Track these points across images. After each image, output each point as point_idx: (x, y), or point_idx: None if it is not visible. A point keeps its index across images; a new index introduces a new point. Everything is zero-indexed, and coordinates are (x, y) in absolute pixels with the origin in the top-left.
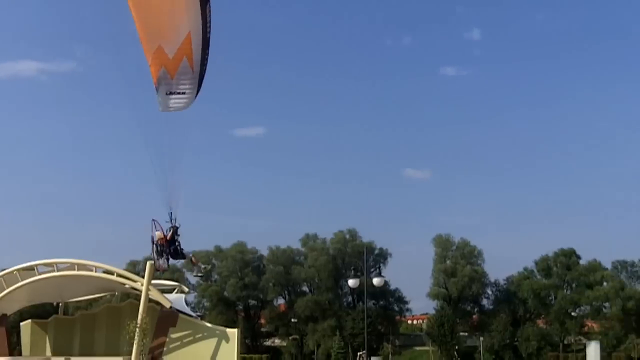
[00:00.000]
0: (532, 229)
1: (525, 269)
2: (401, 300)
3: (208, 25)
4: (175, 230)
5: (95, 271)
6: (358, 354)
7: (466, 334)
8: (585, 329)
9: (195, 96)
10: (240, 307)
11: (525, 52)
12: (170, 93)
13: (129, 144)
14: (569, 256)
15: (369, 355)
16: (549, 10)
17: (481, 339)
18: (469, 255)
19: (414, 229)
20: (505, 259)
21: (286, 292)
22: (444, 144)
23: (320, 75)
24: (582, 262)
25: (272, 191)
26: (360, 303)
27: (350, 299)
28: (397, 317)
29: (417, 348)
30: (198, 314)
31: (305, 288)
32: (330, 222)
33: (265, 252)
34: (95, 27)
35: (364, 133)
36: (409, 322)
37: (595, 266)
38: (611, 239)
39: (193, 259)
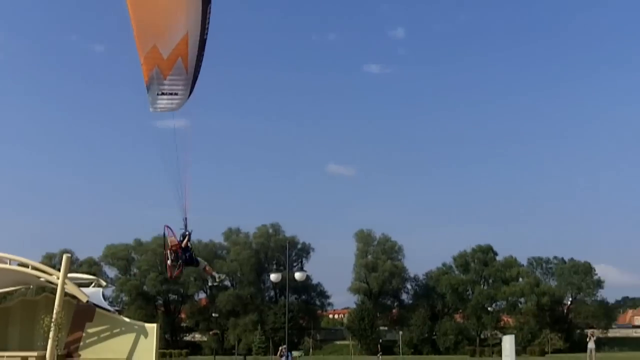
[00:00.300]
0: (452, 226)
1: (444, 264)
2: (323, 294)
3: (207, 26)
4: (189, 237)
5: (10, 264)
6: (279, 348)
7: (386, 328)
8: (501, 323)
9: (188, 97)
10: (160, 301)
11: (449, 51)
12: (162, 94)
13: (46, 135)
14: (486, 252)
15: (290, 349)
16: (471, 10)
17: (400, 333)
18: (389, 250)
19: (337, 224)
20: (425, 255)
21: (207, 287)
22: (368, 141)
23: (244, 66)
24: (498, 258)
25: (194, 184)
26: (282, 297)
27: (272, 293)
28: (319, 312)
29: (338, 342)
30: (116, 308)
31: (227, 282)
32: (254, 216)
33: None
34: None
35: (288, 127)
36: (330, 316)
37: (511, 262)
38: (527, 237)
39: (207, 267)
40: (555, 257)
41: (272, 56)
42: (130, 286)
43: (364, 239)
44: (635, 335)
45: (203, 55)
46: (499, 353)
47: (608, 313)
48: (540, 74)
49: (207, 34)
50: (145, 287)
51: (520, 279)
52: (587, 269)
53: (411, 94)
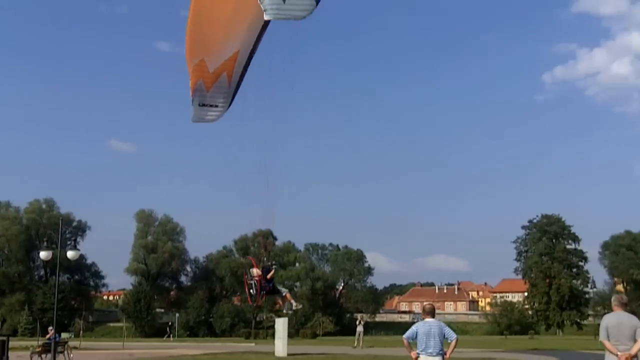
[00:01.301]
0: (235, 209)
1: (225, 247)
2: (97, 275)
3: (257, 46)
4: (275, 271)
5: None
6: (48, 329)
7: (163, 310)
8: (277, 306)
9: (227, 109)
10: None
11: None
12: (203, 105)
13: None
14: (266, 237)
15: (59, 331)
16: None
17: (177, 315)
18: (171, 231)
19: (117, 203)
20: (207, 238)
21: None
22: (149, 118)
23: (38, 35)
24: (278, 243)
25: None
26: (53, 277)
27: (42, 272)
28: (92, 293)
29: (112, 324)
30: None
31: None
32: (25, 190)
33: None
34: None
35: (68, 99)
36: (105, 297)
37: (289, 247)
38: (304, 223)
39: (288, 295)
40: (330, 244)
41: (56, 26)
42: None
43: (145, 219)
44: (400, 320)
45: (247, 70)
46: (273, 336)
47: (376, 298)
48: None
49: (255, 52)
50: None
51: (297, 264)
52: (359, 256)
53: None
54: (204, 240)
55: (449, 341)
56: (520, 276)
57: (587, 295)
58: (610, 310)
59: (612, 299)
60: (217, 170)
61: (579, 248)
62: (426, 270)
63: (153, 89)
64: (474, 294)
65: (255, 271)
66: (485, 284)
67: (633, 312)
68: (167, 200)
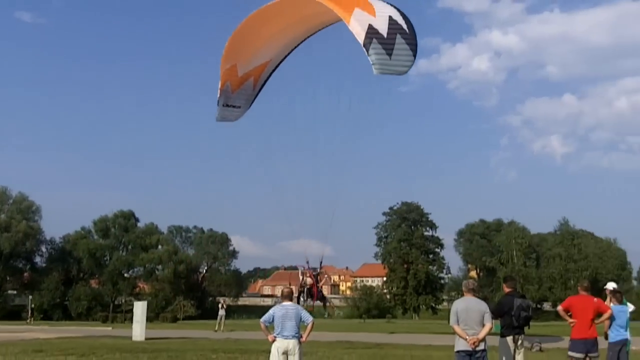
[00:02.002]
0: (96, 190)
1: (83, 228)
2: None
3: (285, 59)
4: (325, 279)
5: None
6: None
7: (15, 292)
8: (137, 289)
9: (247, 109)
10: None
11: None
12: (227, 105)
13: None
14: (127, 218)
15: None
16: None
17: (30, 297)
18: (26, 210)
19: None
20: (65, 218)
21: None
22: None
23: None
24: (140, 225)
25: None
26: None
27: None
28: None
29: None
30: None
31: None
32: None
33: None
34: None
35: None
36: None
37: (152, 229)
38: (168, 205)
39: (330, 303)
40: (195, 227)
41: None
42: None
43: None
44: (263, 304)
45: (270, 76)
46: (132, 319)
47: (240, 282)
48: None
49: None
50: None
51: (160, 247)
52: (223, 240)
53: (63, 45)
54: (61, 219)
55: (306, 324)
56: (380, 261)
57: (442, 281)
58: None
59: (462, 284)
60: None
61: (436, 235)
62: (290, 254)
63: (12, 62)
64: (336, 277)
65: (309, 280)
66: (347, 268)
67: (485, 298)
68: (23, 177)
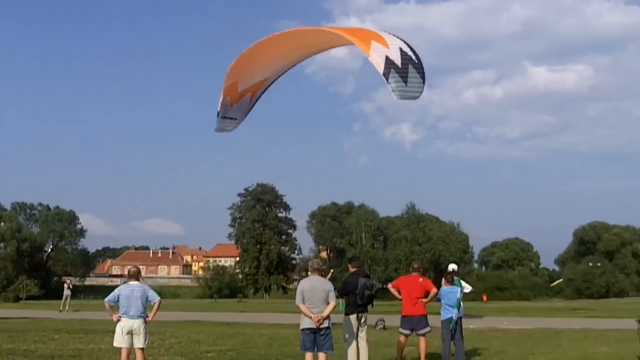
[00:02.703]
0: None
1: None
2: None
3: (284, 73)
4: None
5: None
6: None
7: None
8: None
9: (242, 120)
10: None
11: None
12: (224, 117)
13: None
14: None
15: None
16: None
17: None
18: None
19: None
20: None
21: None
22: None
23: None
24: None
25: None
26: None
27: None
28: None
29: None
30: None
31: None
32: None
33: None
34: None
35: None
36: None
37: None
38: (12, 181)
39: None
40: (40, 204)
41: None
42: None
43: None
44: (111, 284)
45: (264, 93)
46: None
47: (87, 262)
48: None
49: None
50: None
51: (2, 224)
52: (71, 218)
53: None
54: None
55: (152, 304)
56: (233, 241)
57: (293, 261)
58: None
59: (308, 264)
60: None
61: (289, 217)
62: (142, 234)
63: None
64: (188, 258)
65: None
66: (200, 248)
67: (334, 279)
68: None
